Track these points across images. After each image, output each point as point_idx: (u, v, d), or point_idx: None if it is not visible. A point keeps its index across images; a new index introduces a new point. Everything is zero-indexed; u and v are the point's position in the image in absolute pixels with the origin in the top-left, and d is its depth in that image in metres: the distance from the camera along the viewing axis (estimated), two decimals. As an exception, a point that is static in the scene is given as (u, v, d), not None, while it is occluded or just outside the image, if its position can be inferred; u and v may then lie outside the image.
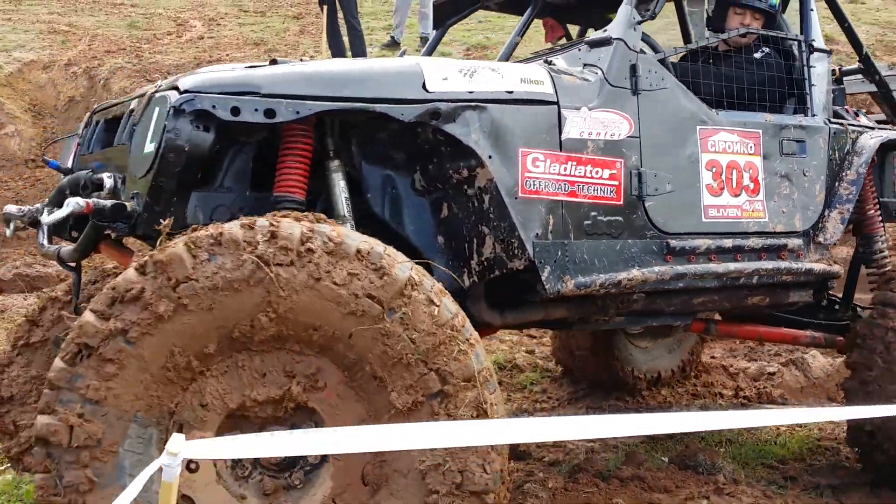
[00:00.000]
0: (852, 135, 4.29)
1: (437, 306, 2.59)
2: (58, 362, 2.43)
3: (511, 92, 3.28)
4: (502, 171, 3.20)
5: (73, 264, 3.47)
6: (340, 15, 11.08)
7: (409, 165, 3.36)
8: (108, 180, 3.11)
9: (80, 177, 3.24)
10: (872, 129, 4.50)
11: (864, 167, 4.23)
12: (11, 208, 3.75)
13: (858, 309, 4.57)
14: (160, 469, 1.98)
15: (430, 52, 4.69)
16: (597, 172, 3.42)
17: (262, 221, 2.53)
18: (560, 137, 3.34)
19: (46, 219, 3.07)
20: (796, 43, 4.20)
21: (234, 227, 2.51)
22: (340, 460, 2.60)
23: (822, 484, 4.21)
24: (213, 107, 2.82)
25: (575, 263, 3.34)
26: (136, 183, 2.94)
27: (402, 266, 2.59)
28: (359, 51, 10.95)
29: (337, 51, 11.04)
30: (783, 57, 4.18)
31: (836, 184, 4.17)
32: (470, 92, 3.19)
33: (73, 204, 2.90)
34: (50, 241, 3.48)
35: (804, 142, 4.06)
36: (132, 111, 3.16)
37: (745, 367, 6.40)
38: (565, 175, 3.35)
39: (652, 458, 4.45)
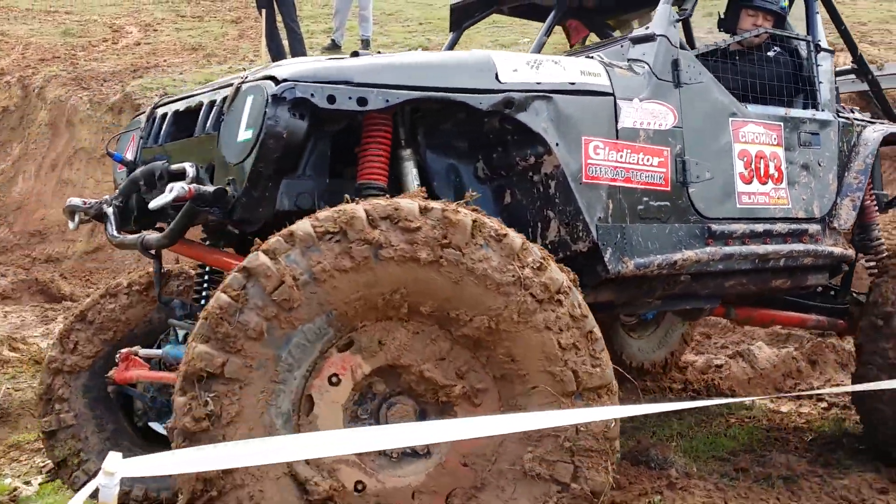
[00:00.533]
0: (857, 128, 4.61)
1: (581, 310, 2.78)
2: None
3: (573, 83, 3.50)
4: (568, 157, 3.41)
5: (154, 252, 3.56)
6: (279, 18, 10.93)
7: (471, 154, 3.56)
8: (190, 169, 3.22)
9: (154, 167, 3.39)
10: (873, 123, 4.81)
11: (870, 158, 4.56)
12: (76, 200, 3.83)
13: (856, 294, 4.82)
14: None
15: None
16: (647, 160, 3.65)
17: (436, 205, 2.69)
18: (616, 126, 3.57)
19: (153, 203, 3.11)
20: (804, 43, 4.46)
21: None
22: (444, 459, 2.74)
23: (774, 475, 4.22)
24: (312, 95, 2.98)
25: (632, 246, 3.54)
26: (231, 169, 3.08)
27: (556, 269, 2.77)
28: (298, 54, 10.82)
29: (277, 54, 10.90)
30: (791, 56, 4.43)
31: (846, 173, 4.47)
32: (538, 83, 3.39)
33: (177, 189, 3.01)
34: (118, 232, 3.55)
35: (818, 134, 4.33)
36: (213, 102, 3.31)
37: (692, 360, 6.44)
38: (621, 162, 3.57)
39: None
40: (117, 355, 3.90)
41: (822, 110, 4.39)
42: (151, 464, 2.09)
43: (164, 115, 3.69)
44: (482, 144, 3.53)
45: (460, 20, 5.02)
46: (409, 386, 2.80)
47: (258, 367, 2.57)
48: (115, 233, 3.56)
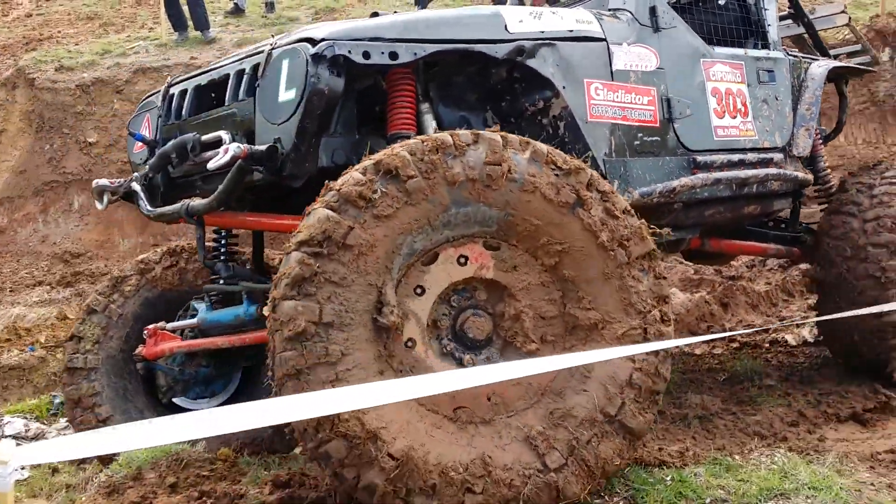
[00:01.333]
0: (804, 65, 5.08)
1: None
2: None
3: (571, 31, 3.83)
4: (574, 98, 3.74)
5: (197, 219, 3.64)
6: (178, -17, 10.56)
7: (481, 105, 3.83)
8: (225, 136, 3.43)
9: (186, 140, 3.54)
10: (817, 59, 5.31)
11: (819, 90, 5.04)
12: (103, 181, 3.98)
13: (806, 224, 5.24)
14: None
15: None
16: (639, 99, 4.01)
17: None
18: (611, 69, 3.93)
19: (212, 164, 3.28)
20: None
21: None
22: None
23: (690, 415, 4.32)
24: (349, 52, 3.21)
25: (634, 178, 3.92)
26: (276, 129, 3.28)
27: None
28: (201, 19, 10.49)
29: (177, 21, 10.55)
30: (740, 1, 4.84)
31: (799, 106, 4.94)
32: (542, 31, 3.70)
33: (233, 148, 3.21)
34: (152, 205, 3.76)
35: (773, 71, 4.79)
36: (242, 72, 3.53)
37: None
38: (618, 101, 3.92)
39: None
40: (144, 332, 4.12)
41: (773, 49, 4.81)
42: (49, 450, 2.00)
43: (183, 91, 3.86)
44: (490, 95, 3.80)
45: None
46: (501, 314, 3.01)
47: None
48: (149, 207, 3.75)
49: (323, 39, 3.21)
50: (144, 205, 3.77)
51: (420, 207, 2.82)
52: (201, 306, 4.14)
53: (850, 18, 6.18)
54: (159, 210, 3.75)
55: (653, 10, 4.20)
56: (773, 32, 4.88)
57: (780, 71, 4.80)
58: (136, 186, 3.78)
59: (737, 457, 3.29)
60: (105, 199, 3.99)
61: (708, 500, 3.05)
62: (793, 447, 3.54)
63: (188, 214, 3.60)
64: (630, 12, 4.13)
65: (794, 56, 5.05)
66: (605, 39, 3.94)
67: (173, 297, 4.46)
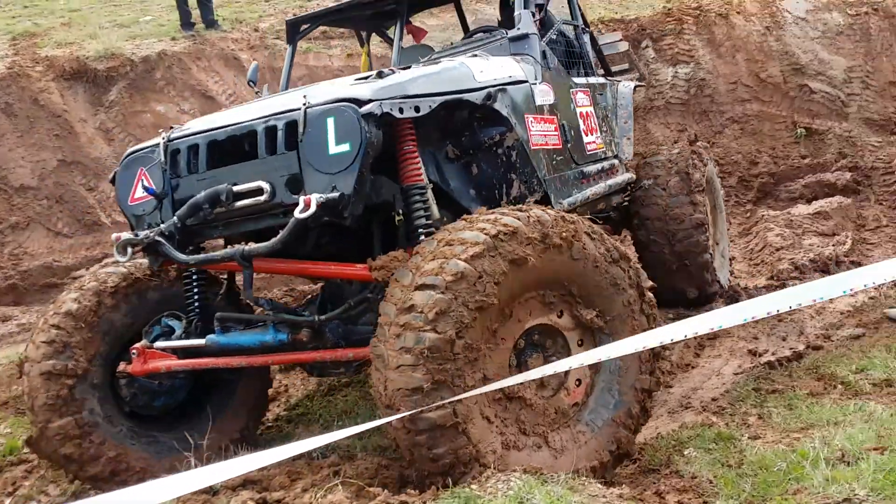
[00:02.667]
0: (616, 85, 6.37)
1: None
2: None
3: (511, 76, 4.62)
4: (522, 131, 4.49)
5: (249, 262, 3.92)
6: None
7: (441, 141, 4.36)
8: (265, 185, 3.84)
9: (219, 190, 3.87)
10: (619, 80, 6.67)
11: (630, 105, 6.47)
12: (127, 234, 4.14)
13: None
14: None
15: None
16: (550, 127, 4.87)
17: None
18: (535, 104, 4.76)
19: (300, 215, 3.62)
20: (572, 27, 5.84)
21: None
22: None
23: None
24: (390, 109, 3.76)
25: (560, 190, 4.83)
26: (331, 178, 3.72)
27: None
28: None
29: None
30: (562, 35, 5.66)
31: (619, 120, 6.22)
32: (495, 79, 4.44)
33: (315, 198, 3.62)
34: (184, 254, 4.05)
35: (603, 93, 5.98)
36: (273, 128, 3.87)
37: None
38: (543, 131, 4.77)
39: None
40: (133, 351, 4.35)
41: (596, 75, 5.88)
42: None
43: (193, 146, 4.09)
44: (450, 132, 4.36)
45: (293, 33, 6.09)
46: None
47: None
48: (182, 255, 4.02)
49: (370, 100, 3.73)
50: (176, 254, 4.01)
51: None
52: (177, 325, 4.48)
53: (629, 45, 7.56)
54: (200, 256, 4.08)
55: (543, 53, 5.07)
56: (592, 60, 6.02)
57: (605, 92, 5.98)
58: (160, 238, 4.00)
59: (475, 486, 3.27)
60: (129, 251, 4.12)
61: (449, 536, 3.00)
62: (527, 468, 3.57)
63: (244, 258, 3.89)
64: (532, 56, 4.96)
65: (609, 79, 6.27)
66: (527, 81, 4.74)
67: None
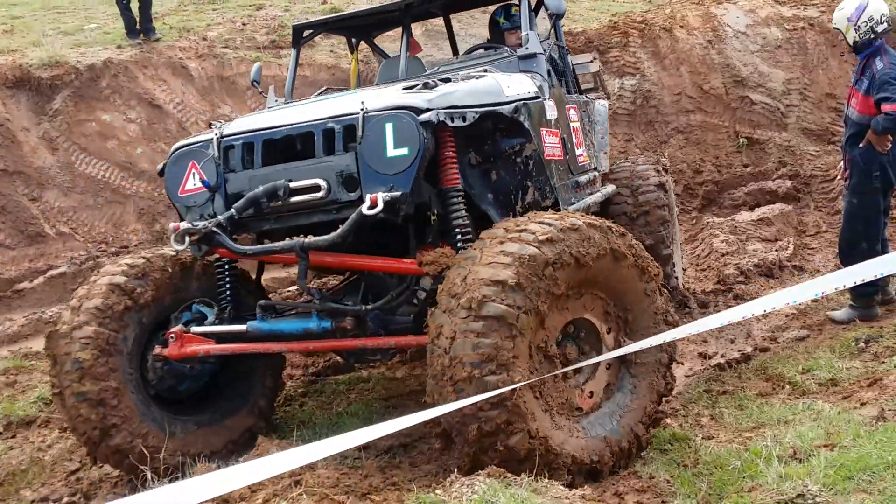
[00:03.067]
0: (591, 103, 6.75)
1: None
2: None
3: (529, 92, 4.92)
4: (538, 143, 4.83)
5: (306, 254, 4.22)
6: None
7: (465, 149, 4.58)
8: (323, 183, 4.16)
9: (277, 186, 4.18)
10: (592, 98, 7.02)
11: (605, 122, 6.92)
12: (185, 224, 4.37)
13: None
14: None
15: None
16: (555, 140, 5.18)
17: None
18: (546, 118, 5.07)
19: (369, 212, 3.97)
20: (557, 47, 5.99)
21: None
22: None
23: (395, 445, 4.28)
24: (443, 118, 4.13)
25: (566, 198, 5.19)
26: (388, 178, 4.08)
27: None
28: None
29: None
30: (551, 55, 5.84)
31: (596, 135, 6.59)
32: (518, 94, 4.75)
33: (382, 197, 3.97)
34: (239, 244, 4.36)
35: (585, 111, 6.36)
36: (331, 130, 4.20)
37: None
38: (552, 143, 5.08)
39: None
40: (170, 335, 4.56)
41: (577, 93, 6.20)
42: None
43: (248, 144, 4.38)
44: (472, 142, 4.61)
45: (298, 38, 6.25)
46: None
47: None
48: (238, 246, 4.33)
49: (427, 109, 4.10)
50: (232, 244, 4.29)
51: None
52: (209, 311, 4.72)
53: (599, 66, 7.85)
54: (258, 248, 4.34)
55: (549, 72, 5.42)
56: (574, 79, 6.34)
57: (586, 109, 6.37)
58: (217, 229, 4.26)
59: (439, 491, 3.28)
60: (186, 240, 4.34)
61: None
62: (491, 472, 3.60)
63: (303, 250, 4.18)
64: (540, 74, 5.27)
65: (586, 97, 6.67)
66: (540, 97, 5.04)
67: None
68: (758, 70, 10.54)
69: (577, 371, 4.06)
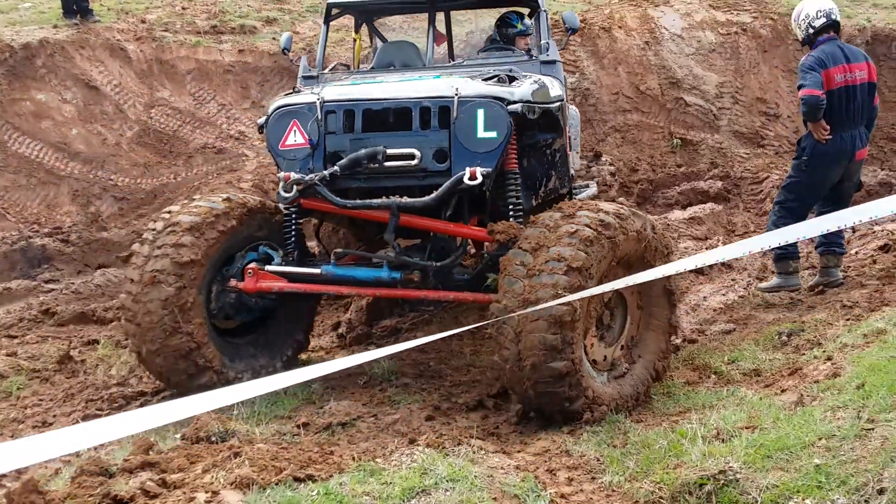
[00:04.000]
0: (569, 107, 6.91)
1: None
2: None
3: (560, 95, 5.64)
4: (566, 138, 5.67)
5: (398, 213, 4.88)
6: None
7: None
8: (417, 152, 4.85)
9: (377, 150, 4.81)
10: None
11: (578, 124, 7.51)
12: (297, 175, 4.87)
13: None
14: None
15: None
16: (569, 136, 5.91)
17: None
18: (566, 118, 5.74)
19: (470, 182, 4.69)
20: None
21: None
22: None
23: (334, 423, 4.34)
24: (525, 111, 4.96)
25: (574, 189, 6.24)
26: (477, 155, 4.80)
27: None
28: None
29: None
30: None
31: (572, 136, 6.79)
32: (557, 95, 5.56)
33: (480, 171, 4.70)
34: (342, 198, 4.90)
35: (567, 113, 6.44)
36: (427, 109, 4.91)
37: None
38: (571, 139, 5.83)
39: (163, 440, 4.19)
40: (248, 270, 5.08)
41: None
42: None
43: (349, 111, 4.98)
44: (518, 132, 5.06)
45: (328, 15, 6.56)
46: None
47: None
48: (338, 199, 4.84)
49: (515, 101, 4.93)
50: (333, 197, 4.83)
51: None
52: (275, 254, 5.24)
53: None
54: (358, 202, 4.85)
55: (563, 79, 6.01)
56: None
57: (568, 112, 6.55)
58: (322, 183, 4.81)
59: (379, 460, 3.36)
60: (294, 189, 4.85)
61: (354, 509, 3.08)
62: (430, 442, 3.69)
63: (398, 209, 4.81)
64: (559, 79, 5.89)
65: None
66: (562, 99, 5.67)
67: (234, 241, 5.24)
68: (692, 72, 10.84)
69: (609, 331, 4.79)
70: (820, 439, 3.51)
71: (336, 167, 4.82)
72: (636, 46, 10.82)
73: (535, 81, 5.34)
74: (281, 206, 5.20)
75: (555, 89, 5.53)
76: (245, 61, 9.96)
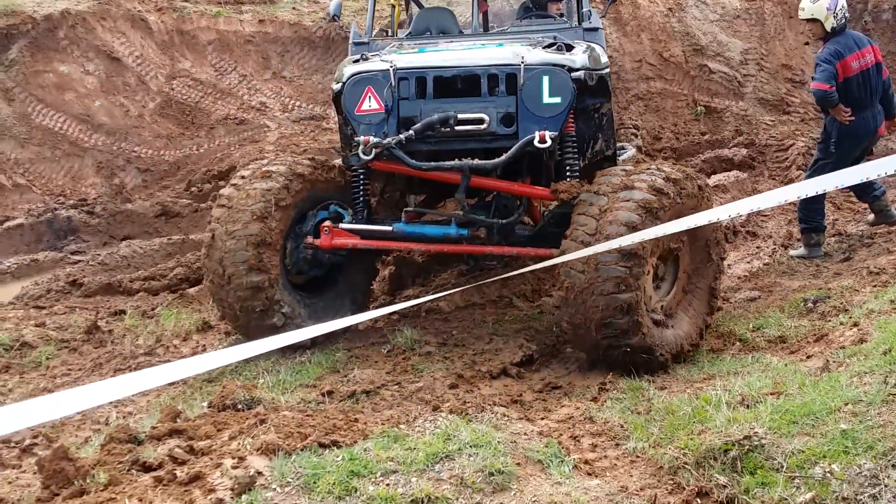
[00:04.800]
0: None
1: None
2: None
3: (607, 61, 5.94)
4: (611, 104, 5.96)
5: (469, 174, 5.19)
6: None
7: None
8: (485, 116, 5.11)
9: (448, 115, 5.10)
10: None
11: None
12: (374, 139, 5.08)
13: None
14: None
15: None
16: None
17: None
18: (609, 83, 5.90)
19: (541, 145, 4.95)
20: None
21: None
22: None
23: (358, 391, 4.37)
24: (587, 78, 5.32)
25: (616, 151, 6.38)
26: (543, 120, 5.06)
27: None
28: None
29: None
30: None
31: None
32: (605, 62, 5.87)
33: (549, 134, 4.97)
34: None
35: None
36: (495, 76, 5.17)
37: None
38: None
39: (190, 407, 4.24)
40: (324, 227, 5.44)
41: None
42: None
43: (421, 78, 5.24)
44: None
45: None
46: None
47: None
48: (413, 161, 5.11)
49: (579, 69, 5.24)
50: (408, 159, 5.09)
51: None
52: (345, 213, 5.57)
53: None
54: (432, 164, 5.15)
55: (604, 45, 6.17)
56: None
57: None
58: (397, 146, 5.05)
59: (403, 426, 3.38)
60: (373, 152, 5.05)
61: (379, 474, 3.11)
62: (454, 409, 3.71)
63: (470, 170, 5.11)
64: (601, 45, 6.05)
65: None
66: (608, 67, 5.90)
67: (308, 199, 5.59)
68: (716, 39, 10.69)
69: (663, 282, 5.13)
70: (846, 405, 3.49)
71: (411, 131, 5.07)
72: (659, 13, 10.68)
73: (588, 49, 5.62)
74: (354, 167, 5.47)
75: (603, 56, 5.83)
76: (265, 31, 9.94)
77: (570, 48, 5.47)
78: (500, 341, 5.24)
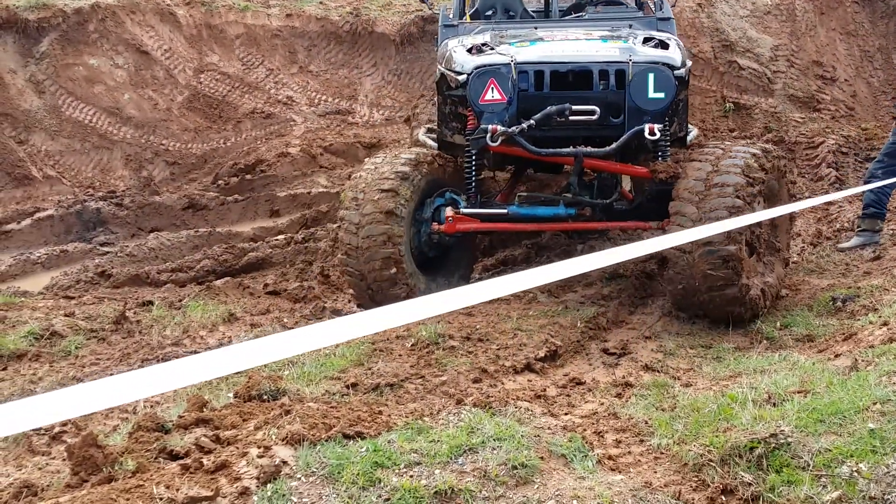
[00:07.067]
0: None
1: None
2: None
3: (689, 56, 6.40)
4: (687, 92, 6.21)
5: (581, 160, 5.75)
6: None
7: None
8: (597, 109, 5.61)
9: (564, 107, 5.58)
10: None
11: None
12: (502, 128, 5.56)
13: None
14: None
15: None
16: None
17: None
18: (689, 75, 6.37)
19: (651, 136, 5.52)
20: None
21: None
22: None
23: (382, 384, 4.38)
24: (685, 75, 5.90)
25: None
26: (648, 113, 5.61)
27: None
28: None
29: None
30: None
31: None
32: (686, 53, 6.17)
33: (658, 127, 5.54)
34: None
35: None
36: (605, 72, 5.70)
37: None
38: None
39: (216, 397, 4.27)
40: (447, 213, 5.94)
41: None
42: None
43: (539, 72, 5.75)
44: None
45: None
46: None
47: None
48: (533, 147, 5.62)
49: (680, 66, 5.76)
50: (529, 146, 5.60)
51: None
52: (459, 199, 6.05)
53: None
54: (550, 150, 5.68)
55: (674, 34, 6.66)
56: None
57: None
58: (519, 134, 5.55)
59: (427, 419, 3.38)
60: (499, 140, 5.54)
61: (403, 466, 3.11)
62: (477, 402, 3.71)
63: (582, 156, 5.65)
64: (673, 34, 6.39)
65: None
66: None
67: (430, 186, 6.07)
68: (746, 35, 10.60)
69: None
70: (875, 404, 3.45)
71: (532, 121, 5.55)
72: (688, 8, 10.60)
73: (678, 45, 6.05)
74: (472, 152, 5.96)
75: (683, 48, 6.16)
76: (293, 26, 9.98)
77: (664, 45, 5.91)
78: (524, 336, 5.22)
